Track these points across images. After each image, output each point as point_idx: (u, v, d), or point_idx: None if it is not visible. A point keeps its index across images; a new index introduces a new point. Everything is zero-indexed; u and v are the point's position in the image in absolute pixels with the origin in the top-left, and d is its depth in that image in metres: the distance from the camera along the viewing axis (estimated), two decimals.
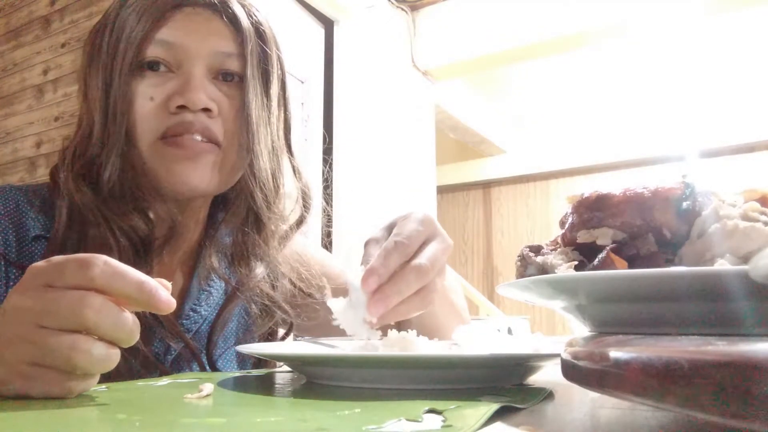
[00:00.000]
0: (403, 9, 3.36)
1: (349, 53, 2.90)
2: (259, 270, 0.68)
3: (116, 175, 0.61)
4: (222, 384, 0.45)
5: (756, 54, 3.83)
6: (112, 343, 0.38)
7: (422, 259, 0.50)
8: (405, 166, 3.24)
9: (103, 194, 0.60)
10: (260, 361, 0.72)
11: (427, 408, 0.31)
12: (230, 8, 0.65)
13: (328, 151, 2.80)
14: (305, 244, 0.81)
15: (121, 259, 0.55)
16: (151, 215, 0.62)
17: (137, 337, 0.39)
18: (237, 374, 0.56)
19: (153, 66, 0.62)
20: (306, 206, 0.73)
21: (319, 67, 2.83)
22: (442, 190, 4.90)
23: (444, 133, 4.33)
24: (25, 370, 0.37)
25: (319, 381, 0.45)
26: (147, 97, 0.62)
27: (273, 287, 0.70)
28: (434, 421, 0.29)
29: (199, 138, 0.62)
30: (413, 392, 0.38)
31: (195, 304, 0.68)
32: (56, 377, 0.37)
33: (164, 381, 0.48)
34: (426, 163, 3.37)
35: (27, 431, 0.29)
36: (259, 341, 0.71)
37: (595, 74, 4.12)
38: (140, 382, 0.48)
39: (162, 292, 0.38)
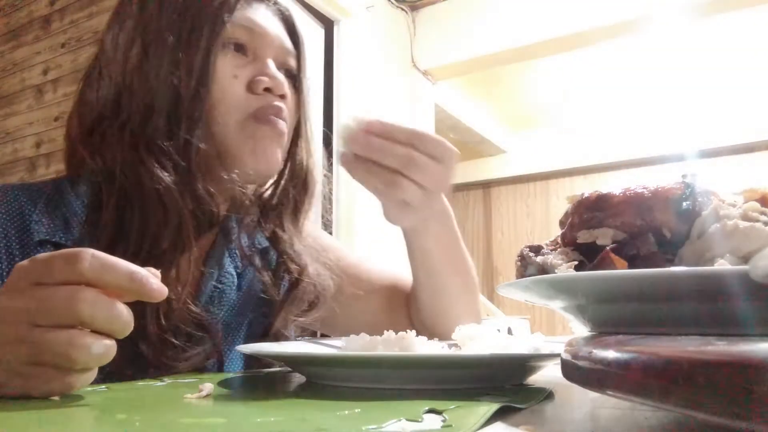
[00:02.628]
0: (403, 9, 3.36)
1: (349, 53, 2.90)
2: (306, 257, 0.70)
3: (195, 150, 0.59)
4: (222, 384, 0.45)
5: (756, 54, 3.83)
6: (107, 335, 0.38)
7: (423, 158, 0.56)
8: None
9: (178, 169, 0.59)
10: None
11: (427, 408, 0.31)
12: (286, 11, 0.70)
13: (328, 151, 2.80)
14: (318, 234, 0.81)
15: (184, 235, 0.58)
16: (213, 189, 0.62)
17: (131, 327, 0.38)
18: (237, 374, 0.56)
19: (236, 46, 0.64)
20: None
21: (319, 67, 2.83)
22: None
23: (444, 133, 4.32)
24: (23, 370, 0.37)
25: (319, 381, 0.45)
26: (231, 75, 0.62)
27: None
28: (434, 421, 0.29)
29: (283, 123, 0.66)
30: (413, 392, 0.38)
31: (208, 303, 0.66)
32: (55, 374, 0.37)
33: (164, 381, 0.48)
34: None
35: (27, 431, 0.29)
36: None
37: (595, 74, 4.12)
38: (140, 382, 0.48)
39: (153, 280, 0.38)
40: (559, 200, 5.10)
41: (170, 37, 0.60)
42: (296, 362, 0.49)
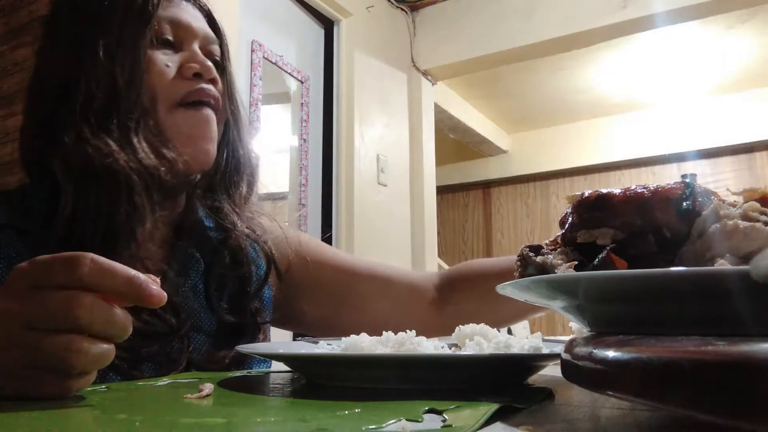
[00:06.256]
0: (403, 9, 3.36)
1: (349, 53, 2.90)
2: (240, 224, 0.72)
3: (132, 132, 0.62)
4: (222, 384, 0.45)
5: (756, 53, 3.83)
6: (105, 339, 0.38)
7: None
8: (405, 166, 3.24)
9: (121, 145, 0.61)
10: (237, 316, 0.71)
11: (427, 408, 0.31)
12: (204, 5, 0.74)
13: (327, 151, 2.80)
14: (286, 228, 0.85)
15: (138, 204, 0.59)
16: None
17: (130, 331, 0.39)
18: (237, 374, 0.56)
19: (164, 42, 0.68)
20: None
21: (319, 67, 2.83)
22: (442, 190, 4.89)
23: (444, 133, 4.33)
24: (21, 374, 0.37)
25: (319, 381, 0.45)
26: (163, 65, 0.66)
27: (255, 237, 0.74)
28: (434, 421, 0.29)
29: (208, 109, 0.68)
30: (413, 392, 0.38)
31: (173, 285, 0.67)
32: (53, 378, 0.37)
33: (164, 381, 0.48)
34: (426, 163, 3.37)
35: (27, 431, 0.29)
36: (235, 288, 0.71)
37: (594, 74, 4.12)
38: (140, 382, 0.48)
39: (152, 286, 0.38)
40: (559, 200, 5.10)
41: (103, 34, 0.64)
42: (296, 362, 0.49)
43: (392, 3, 3.28)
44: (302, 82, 2.69)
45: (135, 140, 0.62)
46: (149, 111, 0.64)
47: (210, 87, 0.68)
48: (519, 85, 4.30)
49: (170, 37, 0.68)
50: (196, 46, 0.69)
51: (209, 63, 0.68)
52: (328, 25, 2.89)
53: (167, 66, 0.66)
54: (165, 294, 0.39)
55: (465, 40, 3.27)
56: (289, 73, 2.63)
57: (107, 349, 0.38)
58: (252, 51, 2.39)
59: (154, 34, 0.66)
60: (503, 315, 0.78)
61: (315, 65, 2.81)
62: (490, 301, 0.76)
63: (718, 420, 0.19)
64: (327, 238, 2.69)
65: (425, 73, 3.42)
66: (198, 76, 0.67)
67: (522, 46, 3.13)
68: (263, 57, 2.44)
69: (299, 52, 2.72)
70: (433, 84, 3.51)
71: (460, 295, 0.81)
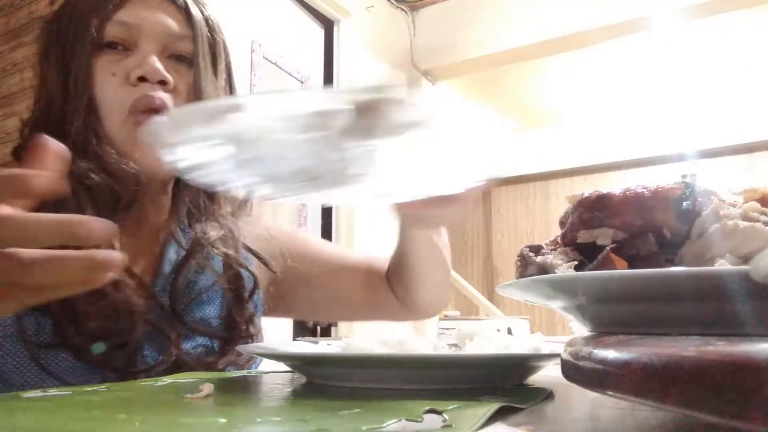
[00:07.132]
0: (403, 9, 3.36)
1: (349, 53, 2.90)
2: (214, 232, 0.69)
3: (81, 141, 0.62)
4: (222, 384, 0.45)
5: (756, 54, 3.83)
6: (35, 242, 0.35)
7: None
8: None
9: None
10: (227, 328, 0.69)
11: (427, 408, 0.31)
12: None
13: None
14: (290, 228, 0.85)
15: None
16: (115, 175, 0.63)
17: (43, 218, 0.36)
18: (237, 374, 0.56)
19: (111, 45, 0.65)
20: None
21: (319, 67, 2.84)
22: None
23: None
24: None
25: (319, 381, 0.46)
26: (109, 73, 0.64)
27: (235, 250, 0.71)
28: (434, 421, 0.29)
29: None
30: (413, 392, 0.38)
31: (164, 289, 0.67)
32: (19, 291, 0.35)
33: (164, 381, 0.48)
34: None
35: (26, 431, 0.29)
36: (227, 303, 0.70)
37: (594, 74, 4.12)
38: (140, 382, 0.48)
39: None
40: (559, 200, 5.10)
41: (58, 48, 0.65)
42: (296, 362, 0.50)
43: (392, 3, 3.28)
44: (302, 82, 2.69)
45: (85, 153, 0.61)
46: (99, 122, 0.63)
47: (156, 92, 0.64)
48: (519, 85, 4.30)
49: (119, 39, 0.65)
50: (146, 46, 0.65)
51: (156, 65, 0.64)
52: (328, 25, 2.89)
53: (113, 74, 0.64)
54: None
55: (465, 40, 3.27)
56: (289, 73, 2.63)
57: (42, 250, 0.35)
58: (252, 51, 2.39)
59: (100, 38, 0.64)
60: (428, 296, 0.84)
61: (315, 65, 2.81)
62: (408, 283, 0.81)
63: (718, 420, 0.19)
64: (327, 237, 2.69)
65: (425, 73, 3.42)
66: (143, 80, 0.63)
67: (522, 46, 3.13)
68: (263, 57, 2.44)
69: (299, 52, 2.72)
70: (433, 84, 3.51)
71: (393, 285, 0.87)
